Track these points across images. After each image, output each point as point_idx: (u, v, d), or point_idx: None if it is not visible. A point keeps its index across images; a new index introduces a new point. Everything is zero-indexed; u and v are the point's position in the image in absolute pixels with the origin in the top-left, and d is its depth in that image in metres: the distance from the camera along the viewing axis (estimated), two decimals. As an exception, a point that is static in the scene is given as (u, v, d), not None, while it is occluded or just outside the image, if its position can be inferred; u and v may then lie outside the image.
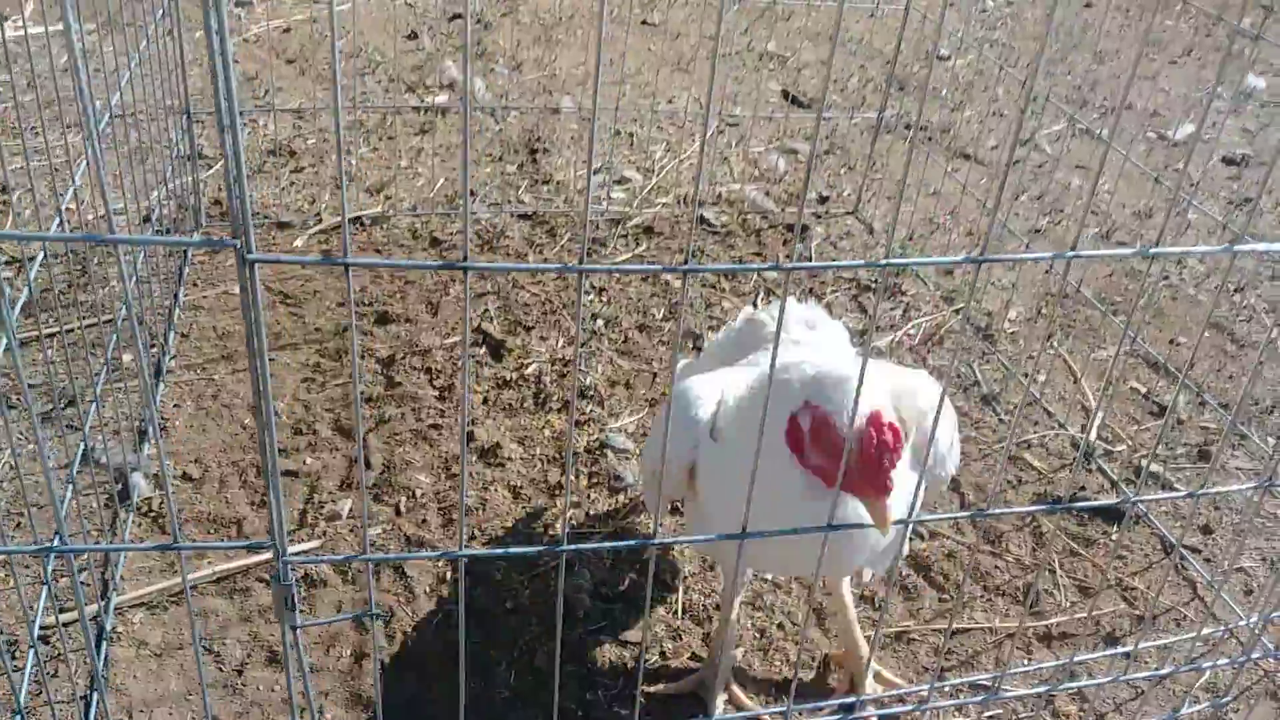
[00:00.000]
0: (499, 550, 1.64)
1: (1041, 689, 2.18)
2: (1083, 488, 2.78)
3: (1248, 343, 3.46)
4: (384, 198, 3.71)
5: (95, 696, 1.93)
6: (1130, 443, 2.95)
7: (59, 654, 2.02)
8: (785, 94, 5.00)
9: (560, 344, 3.06)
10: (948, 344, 3.28)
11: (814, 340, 2.05)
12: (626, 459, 2.65)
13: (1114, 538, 2.62)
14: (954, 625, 2.34)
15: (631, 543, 1.97)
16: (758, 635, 2.26)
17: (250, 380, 1.16)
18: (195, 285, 3.18)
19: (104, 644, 2.06)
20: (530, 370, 2.93)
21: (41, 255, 2.32)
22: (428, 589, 2.26)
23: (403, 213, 3.64)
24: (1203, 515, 2.74)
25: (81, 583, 2.18)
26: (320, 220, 3.53)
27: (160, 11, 3.11)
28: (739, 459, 1.48)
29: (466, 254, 1.15)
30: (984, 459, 2.83)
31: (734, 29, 5.60)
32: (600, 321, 3.18)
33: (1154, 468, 2.83)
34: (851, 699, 2.09)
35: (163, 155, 3.39)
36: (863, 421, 1.46)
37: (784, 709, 1.91)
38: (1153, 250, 1.37)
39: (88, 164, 2.61)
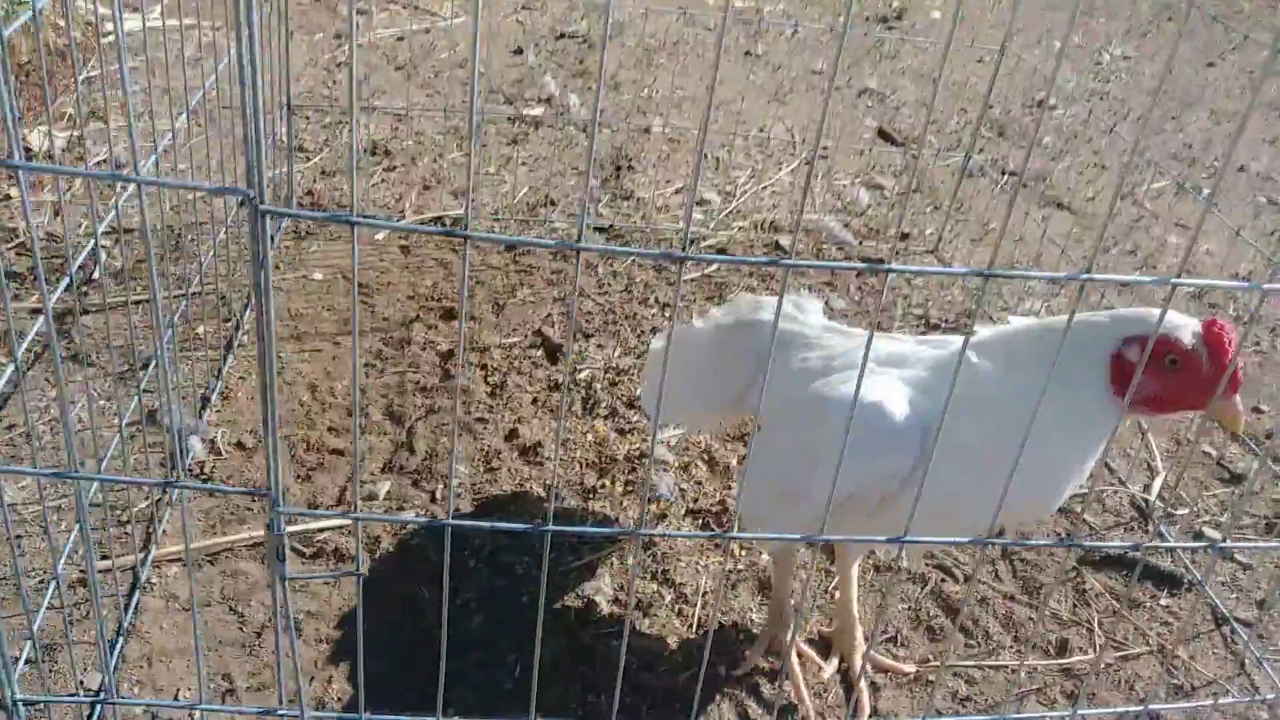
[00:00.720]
0: (485, 523, 1.65)
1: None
2: (1136, 546, 2.67)
3: (1339, 417, 3.28)
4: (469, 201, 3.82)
5: (120, 641, 2.03)
6: (1193, 507, 2.82)
7: (90, 598, 2.12)
8: (881, 132, 4.96)
9: (617, 353, 3.09)
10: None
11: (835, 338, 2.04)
12: (665, 470, 2.66)
13: (1163, 603, 2.52)
14: (969, 667, 2.27)
15: (612, 530, 1.95)
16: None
17: (256, 331, 1.22)
18: (278, 268, 3.32)
19: (137, 593, 2.16)
20: (583, 375, 2.97)
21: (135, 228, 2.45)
22: (459, 574, 2.31)
23: (484, 216, 3.74)
24: (1261, 589, 2.60)
25: (125, 533, 2.30)
26: (404, 216, 3.66)
27: (267, 9, 3.28)
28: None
29: (468, 223, 1.19)
30: (1033, 508, 2.75)
31: (836, 64, 5.59)
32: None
33: (1210, 531, 2.70)
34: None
35: (270, 146, 3.58)
36: (1200, 331, 1.58)
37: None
38: (1174, 280, 1.32)
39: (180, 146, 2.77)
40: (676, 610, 2.30)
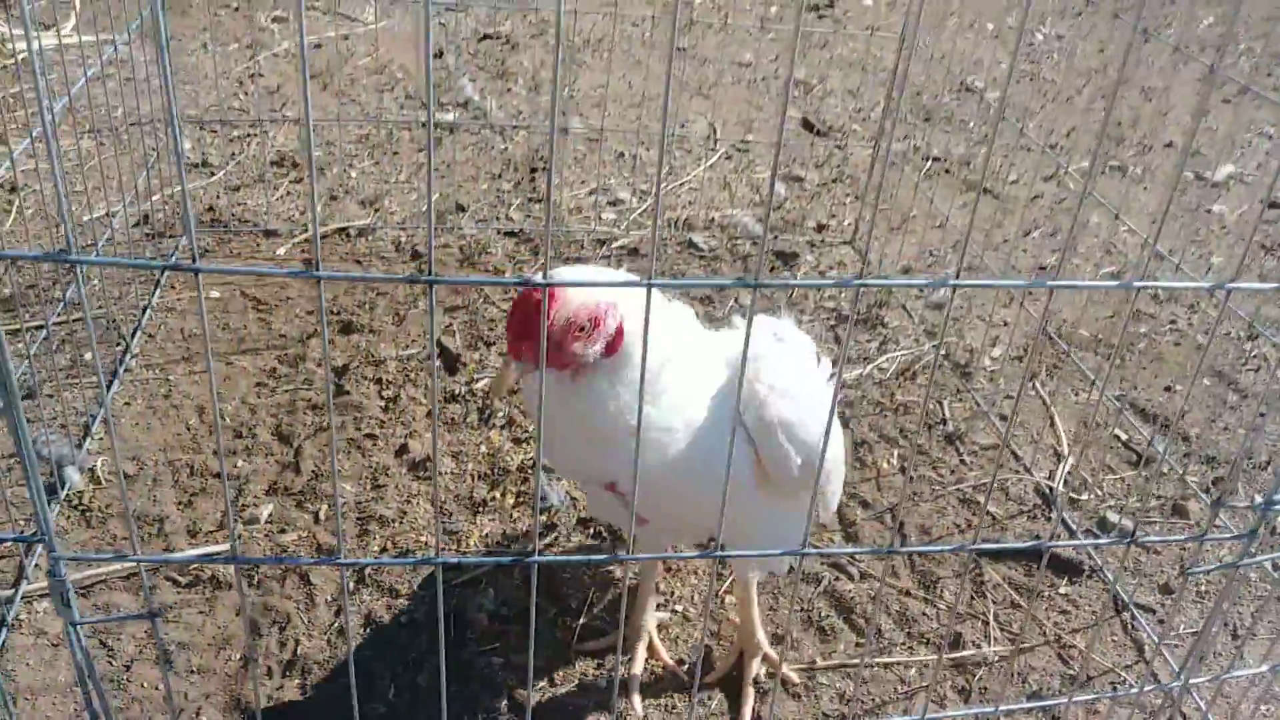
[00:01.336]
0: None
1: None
2: (1038, 536, 2.65)
3: (1251, 393, 3.27)
4: (374, 210, 3.76)
5: (-22, 682, 1.97)
6: (1099, 492, 2.80)
7: (-45, 637, 2.07)
8: (805, 123, 4.93)
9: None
10: (921, 379, 3.17)
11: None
12: (557, 480, 2.62)
13: (1061, 591, 2.49)
14: (864, 666, 2.24)
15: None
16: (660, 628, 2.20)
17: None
18: (173, 288, 3.26)
19: (4, 630, 2.10)
20: (480, 385, 2.92)
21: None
22: (329, 598, 2.26)
23: (391, 225, 3.68)
24: (1165, 573, 2.58)
25: (-6, 570, 2.24)
26: (305, 229, 3.60)
27: (137, 24, 3.20)
28: None
29: (318, 262, 1.14)
30: (935, 499, 2.72)
31: (763, 55, 5.56)
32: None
33: (1113, 517, 2.68)
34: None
35: (168, 162, 3.52)
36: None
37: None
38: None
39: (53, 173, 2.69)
40: (561, 623, 2.26)
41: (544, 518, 2.51)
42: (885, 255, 3.81)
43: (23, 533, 2.33)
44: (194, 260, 1.10)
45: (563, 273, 1.62)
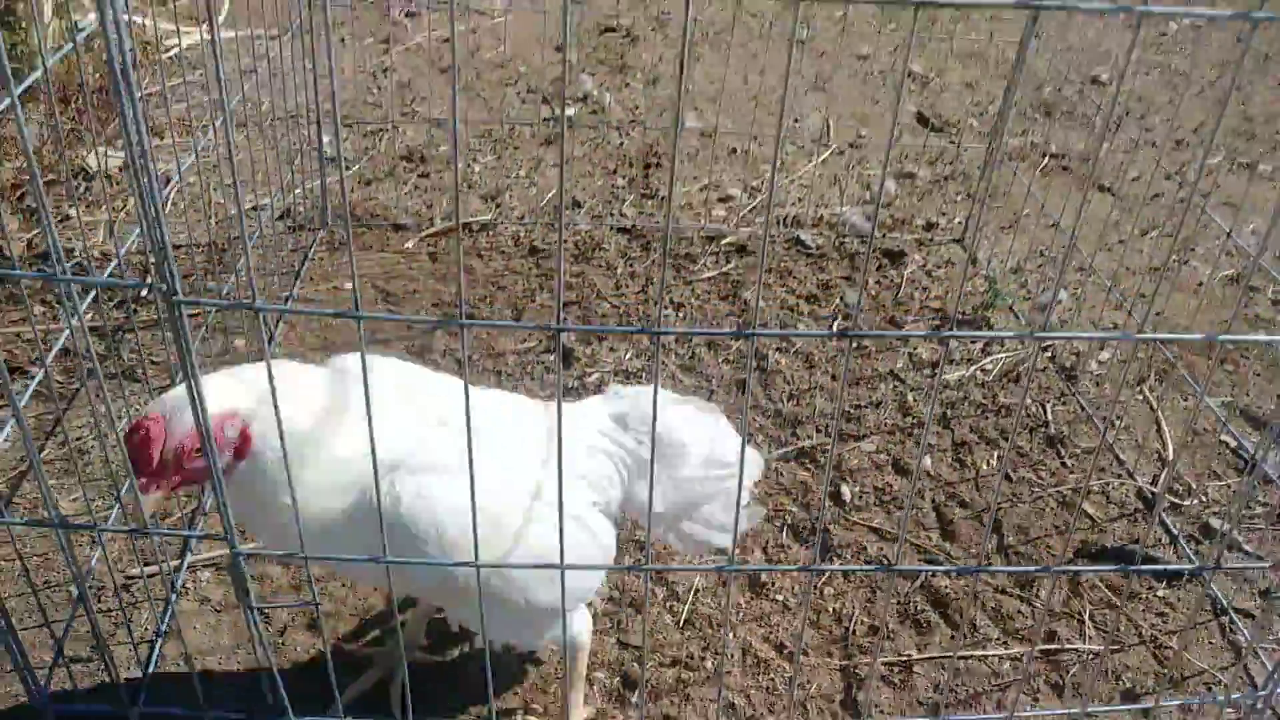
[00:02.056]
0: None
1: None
2: (1136, 540, 2.68)
3: (1375, 403, 3.20)
4: (495, 205, 3.96)
5: (158, 642, 2.23)
6: (1204, 498, 2.81)
7: (135, 601, 2.34)
8: (920, 117, 4.94)
9: (629, 355, 3.20)
10: (1024, 381, 3.20)
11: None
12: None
13: (1159, 594, 2.53)
14: (958, 659, 2.33)
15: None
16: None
17: (190, 391, 1.35)
18: (311, 279, 3.51)
19: (174, 597, 2.36)
20: (592, 379, 3.08)
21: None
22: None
23: (511, 221, 3.88)
24: (1268, 578, 2.59)
25: (165, 542, 2.51)
26: (432, 223, 3.82)
27: (298, 23, 3.44)
28: None
29: (359, 304, 1.30)
30: (1034, 501, 2.77)
31: (881, 48, 5.57)
32: (671, 337, 3.31)
33: (1216, 523, 2.68)
34: None
35: (309, 156, 3.78)
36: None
37: None
38: (1137, 336, 1.37)
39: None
40: (668, 607, 2.41)
41: (653, 506, 2.66)
42: (995, 254, 3.82)
43: (190, 520, 2.60)
44: (356, 307, 1.27)
45: (167, 400, 1.55)
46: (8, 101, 1.43)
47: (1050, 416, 3.07)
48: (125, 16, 1.15)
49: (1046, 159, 4.53)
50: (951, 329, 3.41)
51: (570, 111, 4.71)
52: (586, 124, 4.61)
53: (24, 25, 4.13)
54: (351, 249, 1.19)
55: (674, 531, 2.04)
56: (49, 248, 3.35)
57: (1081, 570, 2.51)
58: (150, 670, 2.18)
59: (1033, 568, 2.03)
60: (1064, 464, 2.90)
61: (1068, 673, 2.33)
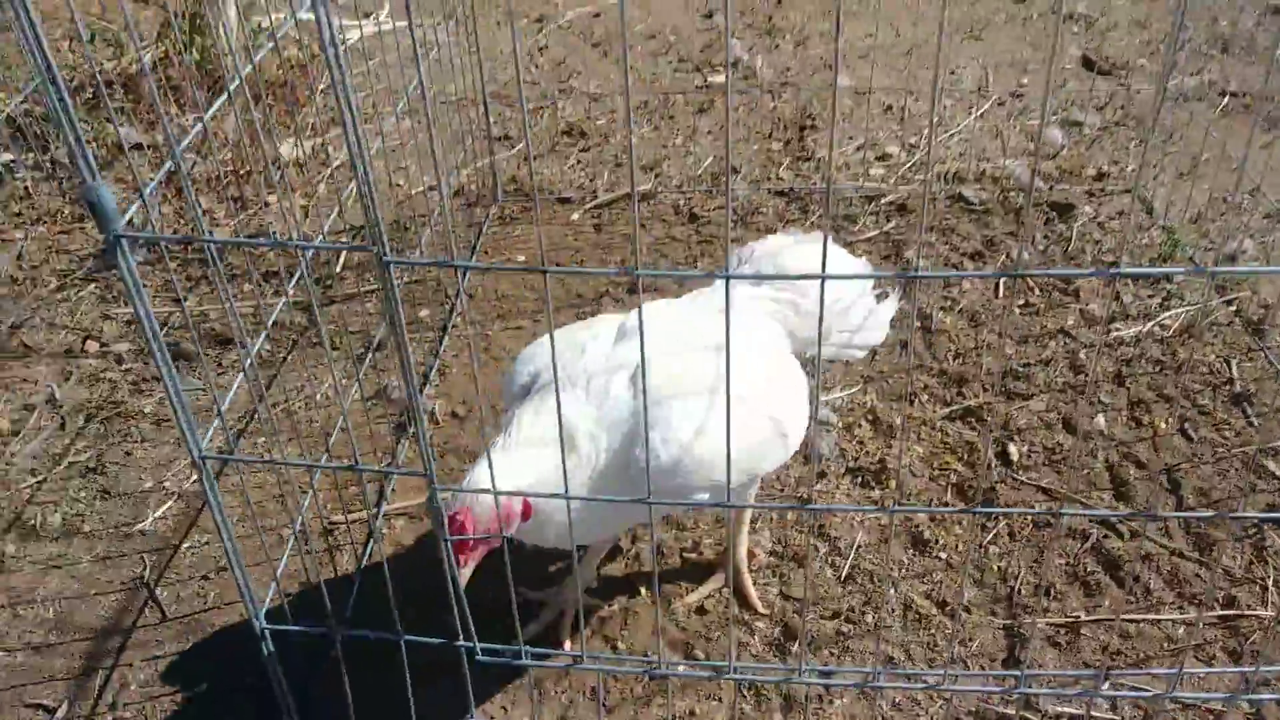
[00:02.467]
0: (683, 502, 1.87)
1: (1214, 696, 2.11)
2: (1329, 502, 2.56)
3: None
4: (654, 175, 4.06)
5: (358, 580, 2.46)
6: (1407, 459, 2.65)
7: (339, 545, 2.58)
8: (1086, 61, 4.74)
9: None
10: (1207, 337, 3.08)
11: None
12: (828, 431, 2.82)
13: (1353, 560, 2.41)
14: (1124, 622, 2.30)
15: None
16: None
17: (398, 361, 1.51)
18: (486, 252, 3.71)
19: (371, 542, 2.59)
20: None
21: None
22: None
23: (670, 190, 3.97)
24: None
25: (364, 493, 2.75)
26: (595, 195, 3.95)
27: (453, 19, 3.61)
28: None
29: (544, 261, 1.42)
30: (1217, 462, 2.68)
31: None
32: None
33: None
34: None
35: (477, 136, 3.97)
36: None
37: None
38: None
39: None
40: (830, 562, 2.48)
41: (814, 467, 2.72)
42: (1173, 203, 3.66)
43: (385, 463, 2.84)
44: (542, 262, 1.39)
45: (468, 501, 1.86)
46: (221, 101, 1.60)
47: (1236, 373, 2.95)
48: (320, 13, 1.27)
49: (1226, 98, 4.27)
50: (1120, 278, 3.30)
51: (720, 78, 4.74)
52: (738, 89, 4.64)
53: (211, 29, 4.47)
54: (538, 211, 1.30)
55: (833, 349, 2.39)
56: (257, 230, 3.64)
57: (1259, 518, 2.42)
58: (350, 604, 2.41)
59: (1207, 513, 1.98)
60: (1250, 423, 2.79)
61: (1247, 639, 2.27)
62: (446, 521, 1.82)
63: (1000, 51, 4.85)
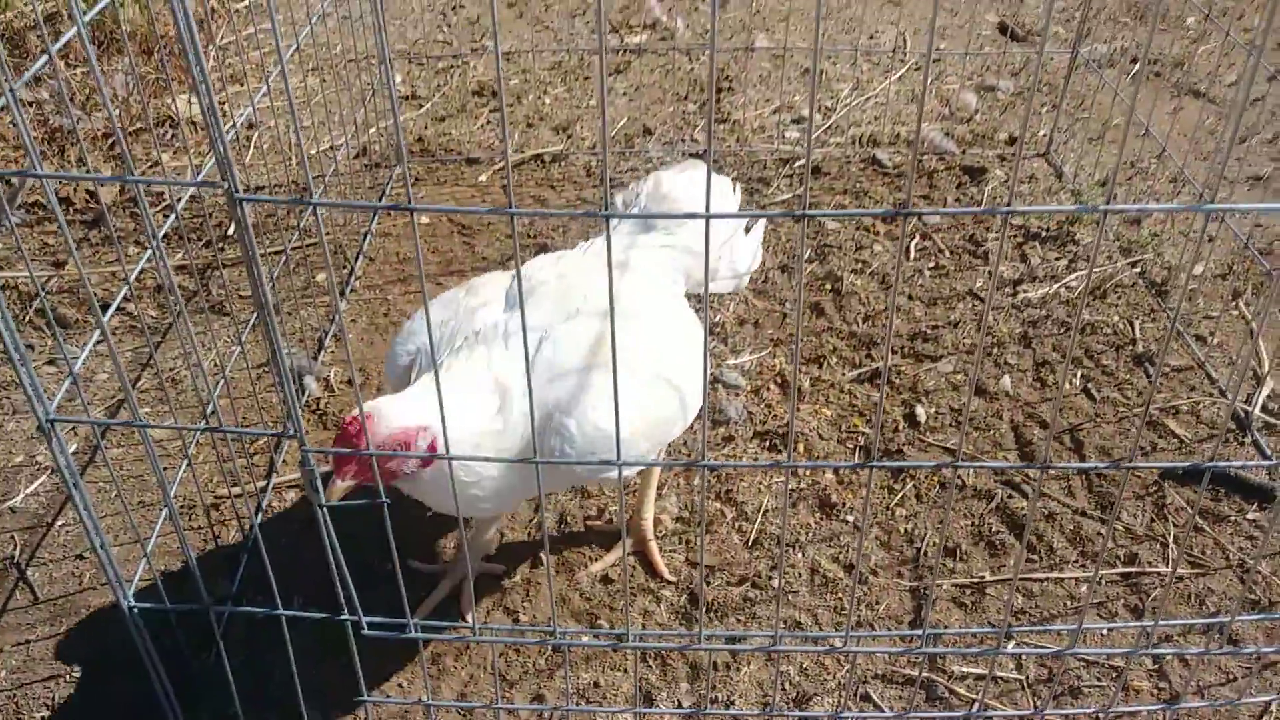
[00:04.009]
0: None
1: (1116, 652, 2.12)
2: (1223, 459, 2.59)
3: None
4: (567, 136, 3.95)
5: (244, 557, 2.34)
6: (1301, 416, 2.69)
7: (224, 519, 2.46)
8: (1001, 26, 4.74)
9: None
10: (1111, 299, 3.09)
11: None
12: (736, 395, 2.76)
13: (1249, 516, 2.44)
14: (1027, 580, 2.30)
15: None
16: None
17: (254, 302, 1.40)
18: (389, 216, 3.57)
19: (259, 515, 2.47)
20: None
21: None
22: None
23: (582, 151, 3.87)
24: (1368, 501, 2.48)
25: (253, 464, 2.62)
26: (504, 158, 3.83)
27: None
28: None
29: (409, 198, 1.32)
30: (1119, 421, 2.70)
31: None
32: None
33: (1313, 445, 2.57)
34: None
35: (382, 96, 3.82)
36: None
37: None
38: (1209, 207, 1.31)
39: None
40: (737, 527, 2.43)
41: (722, 429, 2.67)
42: (1082, 168, 3.67)
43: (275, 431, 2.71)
44: (409, 201, 1.29)
45: (380, 405, 1.78)
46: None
47: (1139, 334, 2.97)
48: None
49: (1136, 65, 4.31)
50: (1038, 246, 3.30)
51: (640, 39, 4.64)
52: (656, 50, 4.55)
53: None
54: (505, 129, 1.20)
55: (723, 284, 2.38)
56: (136, 194, 3.44)
57: (1149, 466, 2.43)
58: (238, 582, 2.30)
59: (1103, 464, 1.97)
60: (1150, 382, 2.81)
61: (1148, 596, 2.28)
62: (341, 430, 1.71)
63: (919, 17, 4.82)
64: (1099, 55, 4.35)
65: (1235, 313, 3.05)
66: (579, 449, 1.85)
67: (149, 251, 2.02)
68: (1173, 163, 3.55)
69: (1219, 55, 4.34)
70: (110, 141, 3.79)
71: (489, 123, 4.09)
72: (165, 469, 2.58)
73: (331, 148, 3.75)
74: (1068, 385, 2.79)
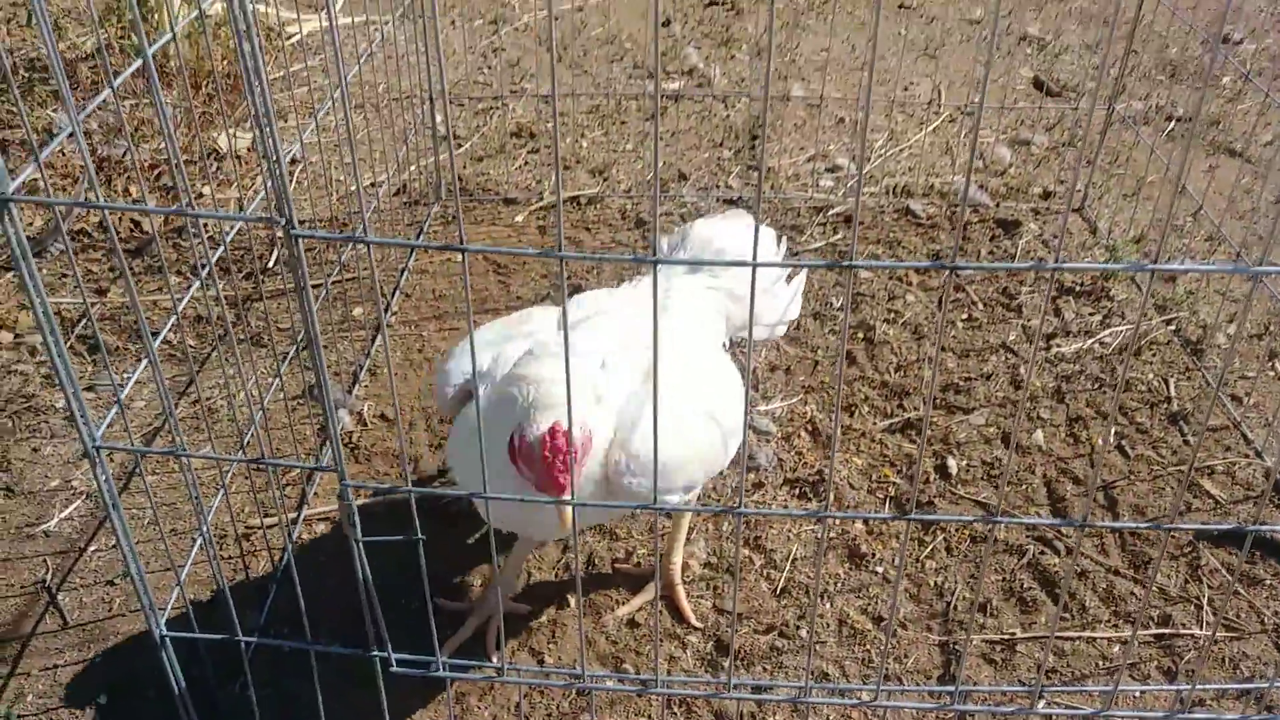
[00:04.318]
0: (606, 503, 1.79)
1: (1151, 715, 2.08)
2: (1264, 523, 2.55)
3: None
4: (602, 179, 4.00)
5: (273, 587, 2.35)
6: (1339, 481, 2.65)
7: (254, 550, 2.47)
8: (1036, 82, 4.77)
9: (732, 326, 3.20)
10: (1146, 355, 3.08)
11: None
12: (766, 441, 2.76)
13: (1286, 580, 2.41)
14: (1059, 639, 2.27)
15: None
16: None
17: (307, 339, 1.43)
18: (426, 253, 3.62)
19: (289, 545, 2.48)
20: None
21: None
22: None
23: (618, 194, 3.91)
24: None
25: (285, 495, 2.64)
26: (542, 197, 3.88)
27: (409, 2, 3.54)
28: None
29: (462, 237, 1.35)
30: (1153, 480, 2.67)
31: (995, 10, 5.37)
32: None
33: (1353, 510, 2.54)
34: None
35: (423, 134, 3.88)
36: (542, 433, 1.65)
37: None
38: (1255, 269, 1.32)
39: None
40: (765, 575, 2.42)
41: (751, 476, 2.66)
42: (1116, 223, 3.67)
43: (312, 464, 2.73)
44: (461, 242, 1.31)
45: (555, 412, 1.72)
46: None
47: (1174, 392, 2.95)
48: (250, 5, 1.22)
49: (1172, 123, 4.31)
50: (1072, 301, 3.30)
51: (676, 85, 4.70)
52: (692, 97, 4.60)
53: (156, 13, 4.35)
54: (559, 175, 1.23)
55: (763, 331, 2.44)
56: (184, 224, 3.52)
57: (1193, 528, 2.41)
58: (265, 613, 2.30)
59: (1142, 524, 1.95)
60: (1187, 442, 2.79)
61: (1181, 659, 2.24)
62: (542, 441, 1.68)
63: (954, 70, 4.86)
64: (1134, 112, 4.36)
65: (1272, 373, 3.03)
66: (639, 473, 1.84)
67: (196, 282, 2.05)
68: (1209, 221, 3.54)
69: (1255, 115, 4.34)
70: (157, 173, 3.87)
71: (526, 163, 4.14)
72: (197, 497, 2.60)
73: (373, 184, 3.81)
74: (1099, 441, 2.77)
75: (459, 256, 3.56)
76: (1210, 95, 4.57)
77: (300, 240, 1.34)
